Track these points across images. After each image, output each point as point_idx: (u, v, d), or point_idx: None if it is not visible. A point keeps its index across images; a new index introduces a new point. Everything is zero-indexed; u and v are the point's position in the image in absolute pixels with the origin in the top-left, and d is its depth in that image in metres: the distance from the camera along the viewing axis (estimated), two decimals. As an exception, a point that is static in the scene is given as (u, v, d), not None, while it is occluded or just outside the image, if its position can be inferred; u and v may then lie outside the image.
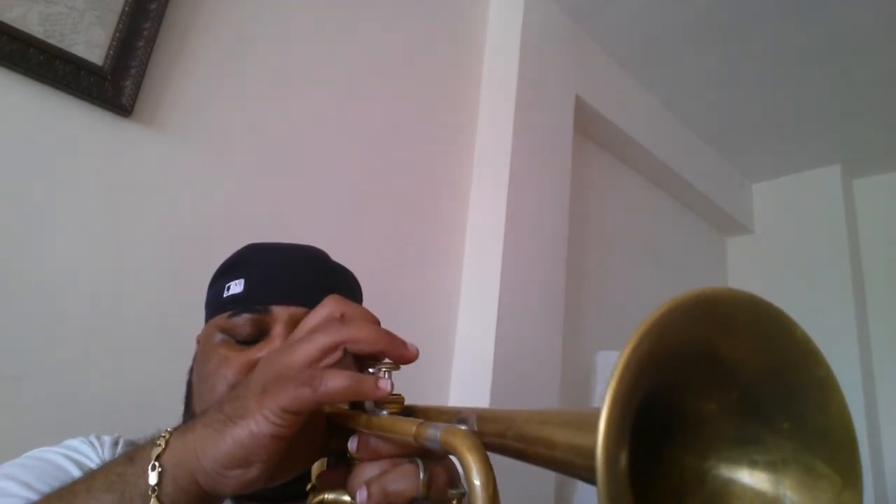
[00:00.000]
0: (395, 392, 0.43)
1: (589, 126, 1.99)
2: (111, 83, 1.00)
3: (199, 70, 1.14)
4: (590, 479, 0.27)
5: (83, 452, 0.62)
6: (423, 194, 1.52)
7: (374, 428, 0.42)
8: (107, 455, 0.63)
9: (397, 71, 1.51)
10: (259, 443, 0.39)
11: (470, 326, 1.51)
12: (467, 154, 1.66)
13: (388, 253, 1.41)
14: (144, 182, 1.04)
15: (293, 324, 0.60)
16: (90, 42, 0.99)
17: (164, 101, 1.08)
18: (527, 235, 1.60)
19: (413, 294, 1.45)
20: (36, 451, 0.61)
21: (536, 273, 1.61)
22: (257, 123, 1.21)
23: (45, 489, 0.52)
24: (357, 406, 0.46)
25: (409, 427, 0.38)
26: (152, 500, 0.39)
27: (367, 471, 0.42)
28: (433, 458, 0.41)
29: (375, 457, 0.43)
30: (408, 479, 0.40)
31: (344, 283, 0.72)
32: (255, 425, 0.39)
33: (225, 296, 0.65)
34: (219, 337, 0.64)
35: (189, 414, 0.67)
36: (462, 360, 1.49)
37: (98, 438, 0.66)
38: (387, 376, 0.42)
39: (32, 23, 0.93)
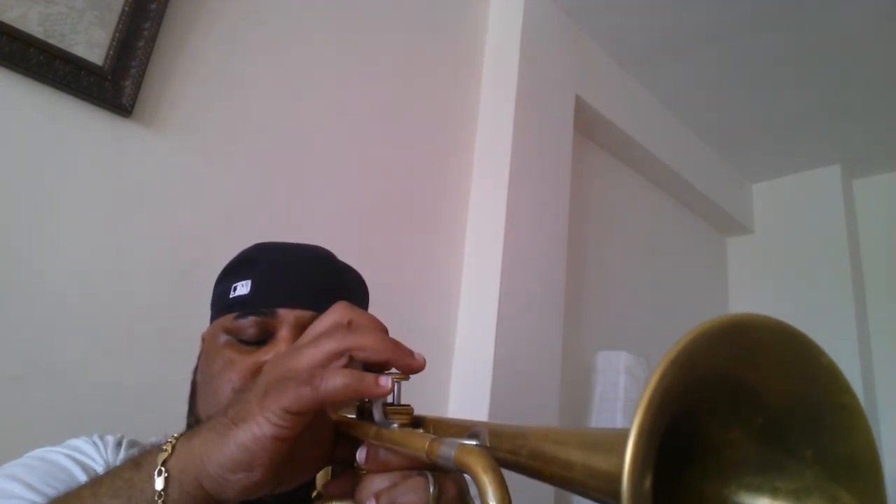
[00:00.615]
0: (403, 403, 0.43)
1: (589, 126, 1.99)
2: (111, 83, 1.00)
3: (199, 70, 1.14)
4: (607, 502, 0.26)
5: (86, 453, 0.62)
6: (423, 194, 1.52)
7: (384, 440, 0.41)
8: (110, 455, 0.63)
9: (397, 71, 1.51)
10: (261, 445, 0.38)
11: (470, 326, 1.51)
12: (467, 154, 1.66)
13: (388, 253, 1.41)
14: (144, 182, 1.04)
15: (299, 327, 0.60)
16: (90, 42, 0.99)
17: (164, 101, 1.08)
18: (527, 235, 1.60)
19: (413, 294, 1.45)
20: (39, 452, 0.61)
21: (536, 273, 1.61)
22: (257, 123, 1.21)
23: (49, 491, 0.52)
24: (366, 416, 0.46)
25: (421, 442, 0.37)
26: None
27: (376, 482, 0.42)
28: (442, 470, 0.41)
29: (384, 469, 0.42)
30: (417, 492, 0.40)
31: (350, 284, 0.72)
32: (257, 427, 0.39)
33: (231, 296, 0.65)
34: (224, 338, 0.64)
35: (193, 414, 0.67)
36: (462, 360, 1.49)
37: (101, 438, 0.66)
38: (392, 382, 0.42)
39: (32, 23, 0.93)
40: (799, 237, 2.55)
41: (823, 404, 0.31)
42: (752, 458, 0.33)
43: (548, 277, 1.65)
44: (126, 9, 1.03)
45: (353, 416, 0.47)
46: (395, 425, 0.42)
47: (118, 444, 0.66)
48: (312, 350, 0.41)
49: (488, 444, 0.39)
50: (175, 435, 0.43)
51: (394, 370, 0.43)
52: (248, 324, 0.63)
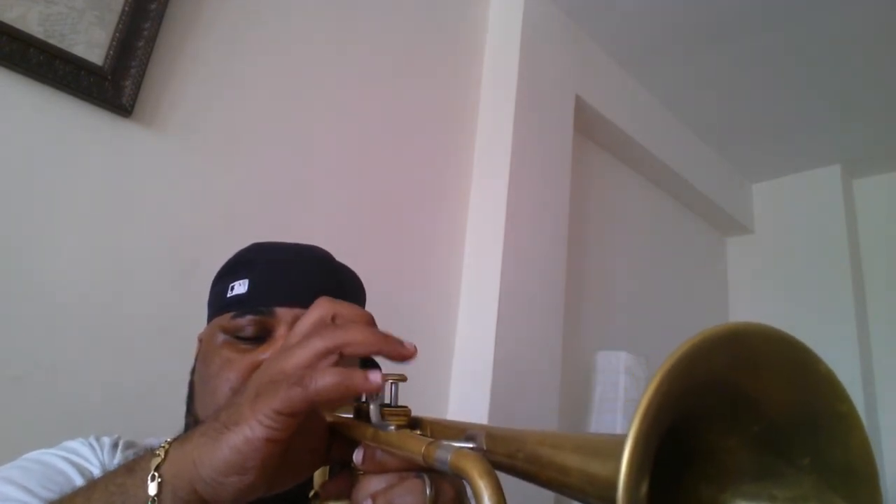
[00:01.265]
0: (401, 404, 0.43)
1: (589, 126, 1.99)
2: (111, 83, 1.00)
3: (199, 70, 1.14)
4: None
5: (82, 455, 0.62)
6: (423, 194, 1.52)
7: (381, 442, 0.41)
8: (106, 457, 0.63)
9: (397, 71, 1.51)
10: (254, 447, 0.38)
11: (470, 326, 1.51)
12: (467, 154, 1.66)
13: (388, 253, 1.41)
14: (144, 182, 1.04)
15: None
16: (90, 42, 0.99)
17: (164, 101, 1.08)
18: (527, 235, 1.60)
19: (413, 294, 1.45)
20: (34, 454, 0.61)
21: (536, 273, 1.61)
22: (257, 123, 1.21)
23: (45, 493, 0.52)
24: (363, 417, 0.45)
25: (418, 446, 0.37)
26: None
27: (373, 483, 0.42)
28: (440, 472, 0.41)
29: (381, 470, 0.42)
30: (414, 494, 0.40)
31: (347, 284, 0.72)
32: (249, 430, 0.38)
33: (229, 296, 0.65)
34: (222, 338, 0.64)
35: (191, 415, 0.66)
36: (462, 360, 1.49)
37: (98, 440, 0.65)
38: (389, 382, 0.42)
39: (32, 23, 0.93)
40: (799, 237, 2.55)
41: (821, 413, 0.31)
42: (750, 466, 0.33)
43: (548, 277, 1.65)
44: (126, 9, 1.03)
45: (351, 417, 0.47)
46: (392, 427, 0.42)
47: (114, 446, 0.66)
48: (301, 350, 0.41)
49: (485, 448, 0.39)
50: (168, 439, 0.43)
51: (393, 372, 0.43)
52: (246, 323, 0.63)
